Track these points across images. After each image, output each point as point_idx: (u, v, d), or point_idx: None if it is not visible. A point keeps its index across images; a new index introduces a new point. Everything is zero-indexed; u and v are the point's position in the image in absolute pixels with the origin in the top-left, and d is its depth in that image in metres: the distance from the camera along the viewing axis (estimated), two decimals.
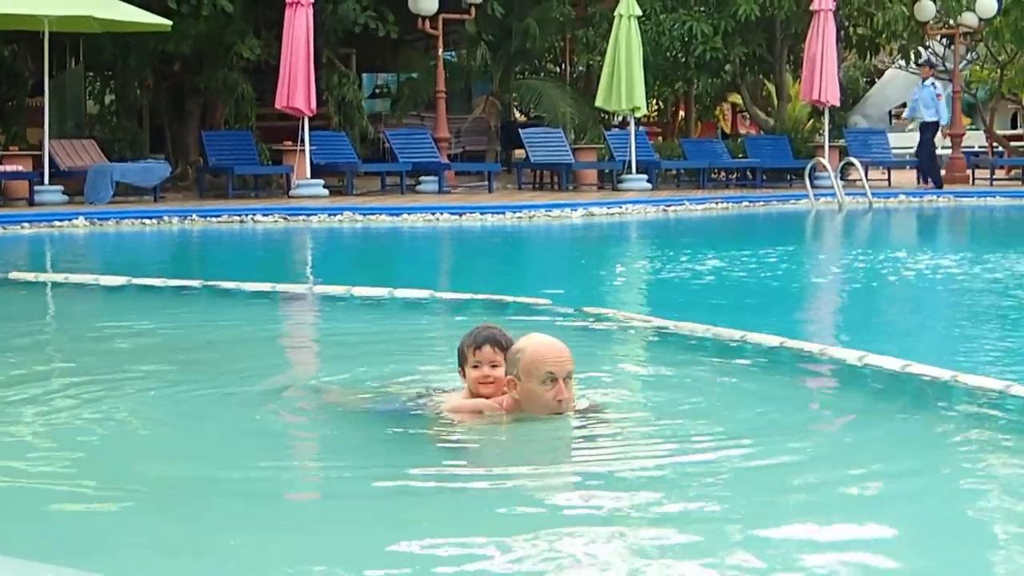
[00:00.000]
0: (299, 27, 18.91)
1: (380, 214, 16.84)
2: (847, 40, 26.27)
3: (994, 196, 21.84)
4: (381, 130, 23.69)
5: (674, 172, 24.43)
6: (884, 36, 25.39)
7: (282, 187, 20.12)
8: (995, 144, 29.17)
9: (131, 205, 17.45)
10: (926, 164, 23.22)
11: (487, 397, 4.74)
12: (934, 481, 4.10)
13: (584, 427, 4.65)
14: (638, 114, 22.44)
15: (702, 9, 24.83)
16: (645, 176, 21.93)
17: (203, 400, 5.31)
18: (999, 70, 28.33)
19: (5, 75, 21.75)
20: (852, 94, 30.31)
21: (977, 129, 31.18)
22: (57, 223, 15.39)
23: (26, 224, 15.16)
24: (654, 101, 31.19)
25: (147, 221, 15.89)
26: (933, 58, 28.24)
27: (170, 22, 18.00)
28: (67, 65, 22.64)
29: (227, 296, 8.73)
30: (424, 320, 7.91)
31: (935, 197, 21.51)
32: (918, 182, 23.27)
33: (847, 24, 25.83)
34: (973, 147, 29.76)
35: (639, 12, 22.02)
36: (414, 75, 25.87)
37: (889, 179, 24.35)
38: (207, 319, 8.04)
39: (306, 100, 19.00)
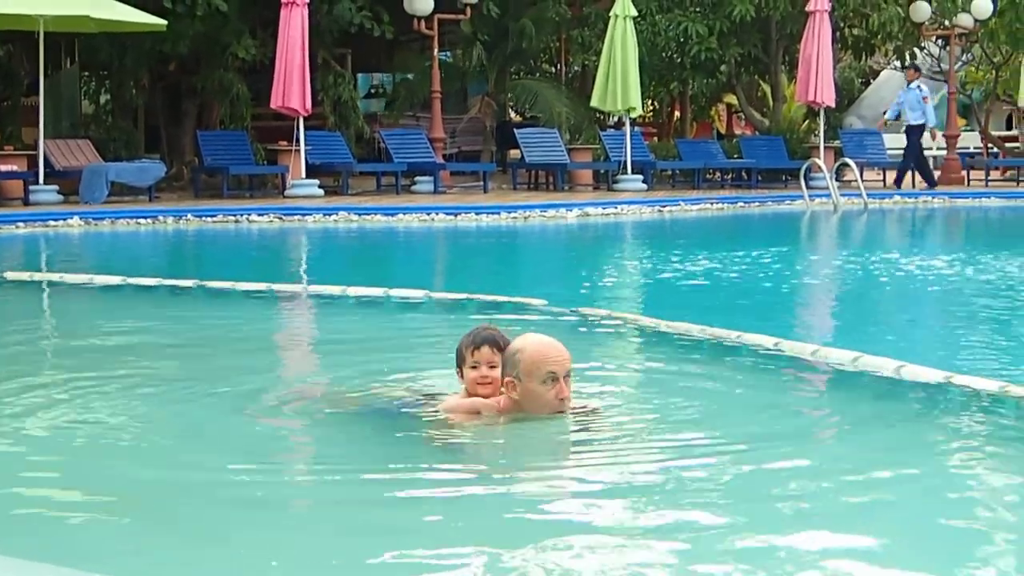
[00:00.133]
0: (294, 27, 18.90)
1: (375, 214, 16.84)
2: (843, 41, 26.28)
3: (989, 197, 21.88)
4: (376, 130, 23.69)
5: (669, 173, 24.44)
6: (879, 37, 25.41)
7: (277, 187, 20.12)
8: (990, 145, 29.20)
9: (126, 205, 17.44)
10: (915, 166, 23.24)
11: (484, 398, 4.74)
12: (929, 487, 4.08)
13: (580, 428, 4.64)
14: (633, 114, 22.46)
15: (698, 10, 24.84)
16: (640, 176, 21.94)
17: (196, 401, 5.30)
18: (994, 71, 28.38)
19: (0, 75, 21.73)
20: (847, 95, 30.35)
21: (972, 130, 31.21)
22: (52, 223, 15.37)
23: (21, 224, 15.15)
24: (649, 101, 31.18)
25: (142, 221, 15.88)
26: (929, 59, 28.28)
27: (165, 22, 18.00)
28: (62, 65, 22.62)
29: (222, 296, 8.72)
30: (419, 320, 7.90)
31: (930, 198, 21.53)
32: (914, 184, 23.28)
33: (843, 25, 25.85)
34: (968, 148, 29.80)
35: (635, 12, 22.04)
36: (410, 75, 25.88)
37: (884, 180, 24.38)
38: (201, 319, 8.04)
39: (301, 100, 18.99)
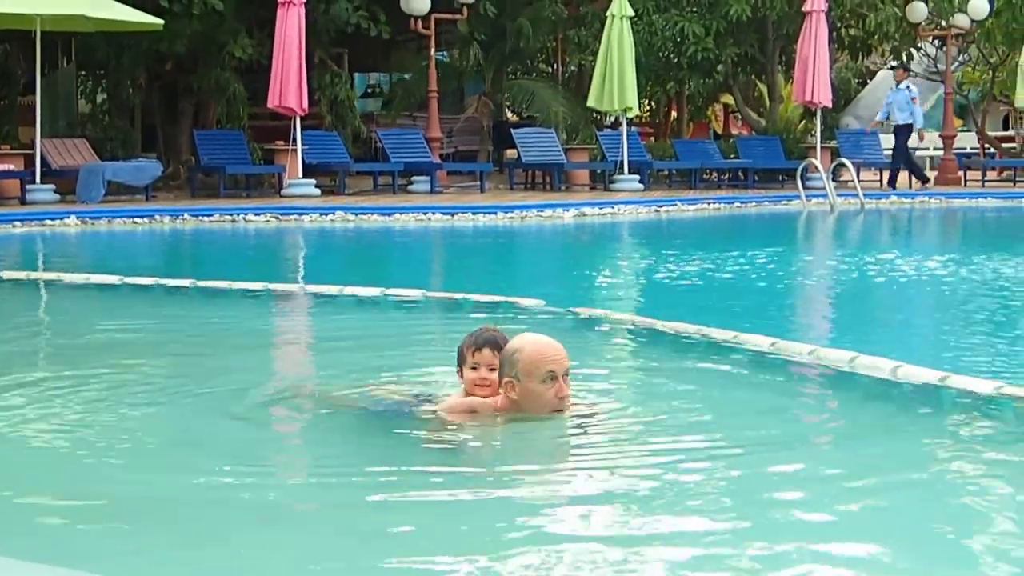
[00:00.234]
0: (291, 26, 18.91)
1: (372, 214, 16.84)
2: (839, 41, 26.30)
3: (986, 197, 21.90)
4: (373, 130, 23.69)
5: (666, 172, 24.46)
6: (876, 37, 25.44)
7: (274, 186, 20.12)
8: (987, 145, 29.22)
9: (123, 204, 17.43)
10: (905, 165, 23.27)
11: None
12: (925, 489, 4.08)
13: (577, 429, 4.64)
14: (630, 114, 22.48)
15: (694, 10, 24.85)
16: (637, 176, 21.95)
17: (195, 401, 5.29)
18: (991, 72, 28.39)
19: None
20: (844, 95, 30.39)
21: (969, 131, 31.24)
22: (49, 222, 15.36)
23: (17, 223, 15.14)
24: (646, 101, 31.20)
25: (139, 220, 15.88)
26: (925, 59, 28.29)
27: (162, 21, 18.00)
28: (59, 64, 22.60)
29: (218, 295, 8.72)
30: (416, 320, 7.91)
31: (927, 198, 21.55)
32: (910, 183, 23.30)
33: (839, 25, 25.86)
34: (965, 148, 29.83)
35: (631, 12, 22.06)
36: (406, 75, 25.87)
37: (881, 180, 24.40)
38: (198, 319, 8.04)
39: (298, 99, 18.99)
